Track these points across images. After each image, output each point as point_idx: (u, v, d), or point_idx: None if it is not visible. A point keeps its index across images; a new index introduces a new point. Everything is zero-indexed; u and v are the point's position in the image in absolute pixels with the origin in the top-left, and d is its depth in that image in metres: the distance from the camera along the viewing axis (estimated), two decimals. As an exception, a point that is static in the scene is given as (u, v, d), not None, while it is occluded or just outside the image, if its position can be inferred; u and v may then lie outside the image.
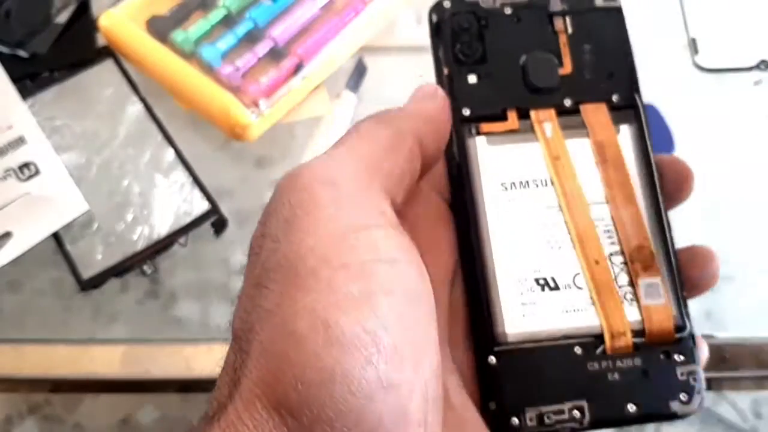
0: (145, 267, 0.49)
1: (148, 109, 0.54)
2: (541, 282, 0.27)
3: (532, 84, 0.29)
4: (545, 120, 0.28)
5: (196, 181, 0.52)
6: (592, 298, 0.27)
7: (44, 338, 0.48)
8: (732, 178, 0.54)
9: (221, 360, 0.22)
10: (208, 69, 0.51)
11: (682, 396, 0.26)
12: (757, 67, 0.57)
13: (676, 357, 0.27)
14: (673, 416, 0.26)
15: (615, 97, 0.29)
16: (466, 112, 0.28)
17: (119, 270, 0.48)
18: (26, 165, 0.50)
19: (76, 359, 0.47)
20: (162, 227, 0.50)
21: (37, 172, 0.50)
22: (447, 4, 0.29)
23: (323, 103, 0.55)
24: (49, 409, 1.05)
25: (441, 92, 0.27)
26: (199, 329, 0.48)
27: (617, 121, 0.29)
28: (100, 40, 0.56)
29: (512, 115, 0.28)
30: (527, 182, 0.28)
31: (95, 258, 0.49)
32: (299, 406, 0.19)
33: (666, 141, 0.54)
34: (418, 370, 0.21)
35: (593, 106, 0.29)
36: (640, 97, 0.29)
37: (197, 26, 0.53)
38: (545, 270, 0.27)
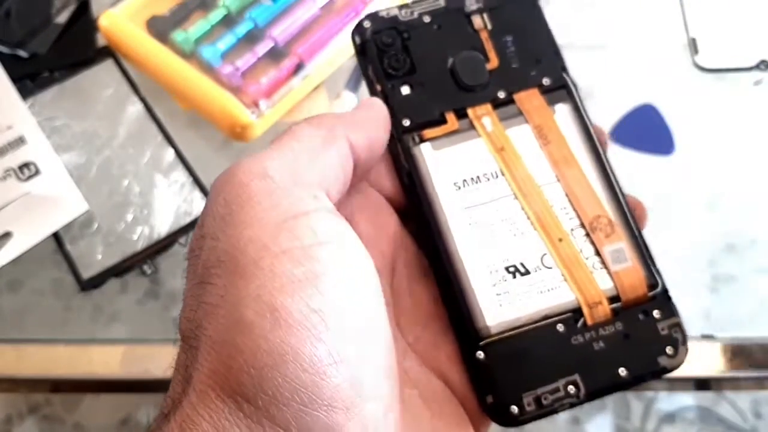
0: (145, 267, 0.49)
1: (148, 109, 0.54)
2: (511, 270, 0.27)
3: (464, 83, 0.30)
4: (483, 115, 0.29)
5: (196, 181, 0.52)
6: (563, 274, 0.27)
7: (44, 338, 0.48)
8: (732, 178, 0.54)
9: (173, 361, 0.23)
10: (208, 69, 0.51)
11: (668, 350, 0.27)
12: (757, 67, 0.57)
13: (654, 314, 0.27)
14: (663, 371, 0.27)
15: (545, 80, 0.30)
16: (406, 122, 0.29)
17: (119, 270, 0.48)
18: (26, 165, 0.50)
19: (76, 359, 0.47)
20: (162, 227, 0.50)
21: (37, 172, 0.50)
22: (367, 24, 0.30)
23: (323, 103, 0.55)
24: (49, 409, 1.05)
25: (378, 102, 0.28)
26: (199, 329, 0.48)
27: (552, 102, 0.30)
28: (100, 40, 0.56)
29: (450, 117, 0.29)
30: (478, 177, 0.28)
31: (95, 258, 0.49)
32: (254, 391, 0.20)
33: (666, 141, 0.54)
34: (368, 344, 0.21)
35: (526, 93, 0.30)
36: (568, 74, 0.30)
37: (197, 26, 0.53)
38: (513, 257, 0.27)
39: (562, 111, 0.30)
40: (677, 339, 0.27)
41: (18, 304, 0.49)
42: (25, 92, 0.54)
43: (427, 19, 0.30)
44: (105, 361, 0.47)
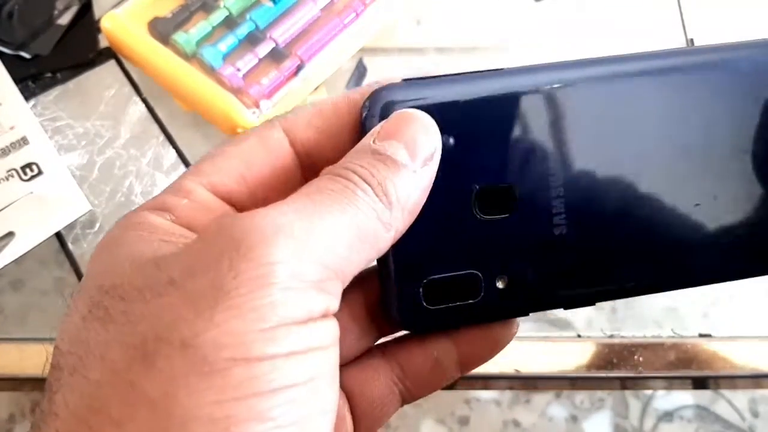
0: (147, 266, 0.49)
1: (150, 109, 0.55)
2: None
3: None
4: None
5: (198, 182, 0.52)
6: None
7: (47, 337, 0.48)
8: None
9: None
10: (210, 70, 0.52)
11: None
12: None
13: None
14: None
15: None
16: None
17: (121, 269, 0.49)
18: (29, 165, 0.51)
19: (79, 358, 0.47)
20: (164, 227, 0.50)
21: (39, 173, 0.51)
22: None
23: (324, 104, 0.55)
24: (51, 408, 1.05)
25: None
26: (201, 328, 0.48)
27: None
28: (102, 42, 0.57)
29: None
30: None
31: (98, 258, 0.49)
32: None
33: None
34: None
35: None
36: None
37: (198, 28, 0.53)
38: None
39: None
40: None
41: (20, 303, 0.50)
42: (27, 93, 0.54)
43: None
44: (107, 359, 0.47)
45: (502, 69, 0.25)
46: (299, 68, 0.52)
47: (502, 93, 0.25)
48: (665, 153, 0.26)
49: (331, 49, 0.53)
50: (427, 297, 0.24)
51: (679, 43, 0.58)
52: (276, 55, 0.53)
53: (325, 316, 0.19)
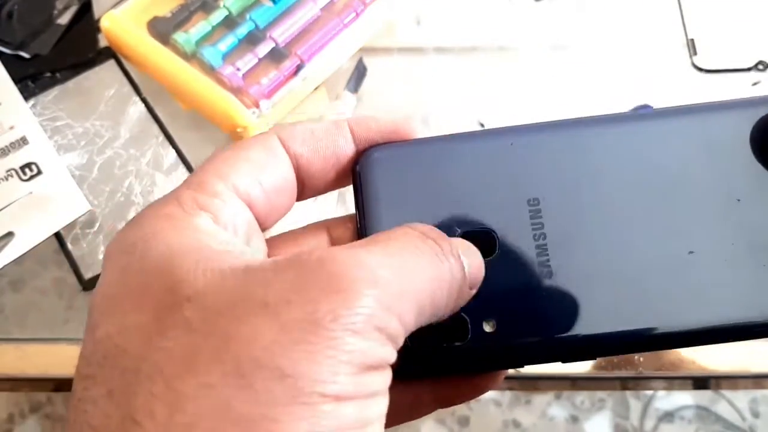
0: (146, 266, 0.49)
1: (150, 109, 0.55)
2: None
3: None
4: None
5: (198, 182, 0.52)
6: None
7: (46, 337, 0.48)
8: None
9: None
10: (209, 70, 0.52)
11: None
12: (755, 68, 0.57)
13: None
14: None
15: None
16: None
17: (121, 269, 0.49)
18: (28, 165, 0.51)
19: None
20: (163, 227, 0.50)
21: (39, 172, 0.50)
22: None
23: (323, 104, 0.55)
24: (51, 408, 1.05)
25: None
26: (201, 328, 0.48)
27: None
28: (102, 42, 0.56)
29: None
30: None
31: (97, 258, 0.49)
32: None
33: (664, 141, 0.55)
34: None
35: None
36: None
37: (198, 28, 0.53)
38: None
39: None
40: None
41: (20, 303, 0.50)
42: (27, 93, 0.54)
43: None
44: (107, 360, 0.47)
45: (484, 129, 0.29)
46: (299, 68, 0.52)
47: (482, 147, 0.27)
48: (651, 198, 0.26)
49: (331, 48, 0.53)
50: (412, 337, 0.24)
51: (679, 42, 0.58)
52: (276, 55, 0.53)
53: (389, 364, 0.21)
